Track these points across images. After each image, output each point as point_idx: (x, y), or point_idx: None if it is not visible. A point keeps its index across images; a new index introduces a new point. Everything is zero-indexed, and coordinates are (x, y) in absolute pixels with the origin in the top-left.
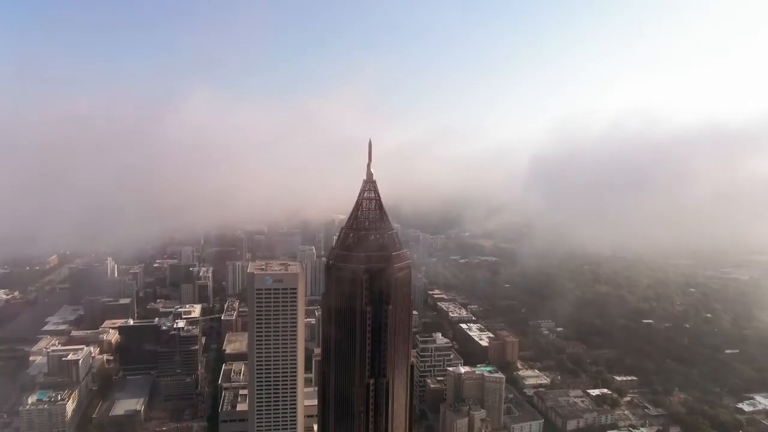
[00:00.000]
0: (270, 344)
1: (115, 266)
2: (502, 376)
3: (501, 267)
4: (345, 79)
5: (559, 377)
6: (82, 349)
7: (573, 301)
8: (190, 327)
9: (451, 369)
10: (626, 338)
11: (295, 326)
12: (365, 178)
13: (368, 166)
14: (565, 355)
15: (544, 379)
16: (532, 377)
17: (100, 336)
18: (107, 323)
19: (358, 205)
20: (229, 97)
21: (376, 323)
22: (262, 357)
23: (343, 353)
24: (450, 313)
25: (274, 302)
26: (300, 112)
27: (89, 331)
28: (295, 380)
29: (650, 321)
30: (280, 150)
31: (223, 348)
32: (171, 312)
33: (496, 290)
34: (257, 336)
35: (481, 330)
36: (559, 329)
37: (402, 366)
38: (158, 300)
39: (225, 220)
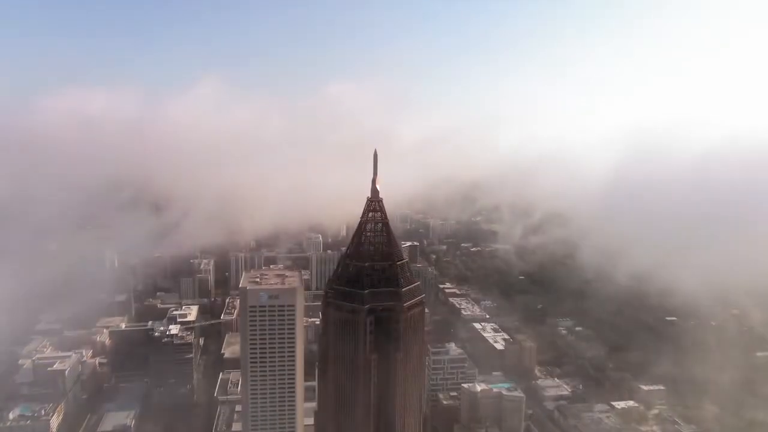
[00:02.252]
0: (266, 366)
1: (115, 257)
2: (522, 395)
3: (515, 256)
4: (363, 69)
5: (580, 386)
6: (69, 356)
7: (590, 296)
8: (184, 333)
9: (466, 386)
10: (649, 338)
11: (293, 347)
12: (369, 195)
13: (373, 181)
14: (585, 360)
15: (565, 390)
16: (552, 387)
17: (93, 337)
18: (102, 321)
19: (361, 228)
20: (237, 89)
21: (383, 374)
22: (257, 380)
23: (343, 408)
24: (462, 311)
25: (269, 320)
26: (314, 105)
27: (82, 331)
28: (293, 404)
29: (674, 318)
30: (292, 146)
31: (222, 352)
32: (169, 308)
33: (510, 283)
34: (251, 358)
35: (495, 331)
36: (578, 329)
37: (413, 421)
38: (158, 293)
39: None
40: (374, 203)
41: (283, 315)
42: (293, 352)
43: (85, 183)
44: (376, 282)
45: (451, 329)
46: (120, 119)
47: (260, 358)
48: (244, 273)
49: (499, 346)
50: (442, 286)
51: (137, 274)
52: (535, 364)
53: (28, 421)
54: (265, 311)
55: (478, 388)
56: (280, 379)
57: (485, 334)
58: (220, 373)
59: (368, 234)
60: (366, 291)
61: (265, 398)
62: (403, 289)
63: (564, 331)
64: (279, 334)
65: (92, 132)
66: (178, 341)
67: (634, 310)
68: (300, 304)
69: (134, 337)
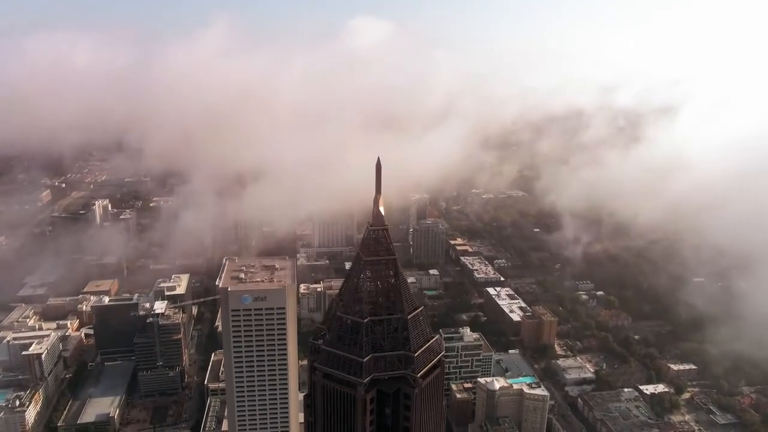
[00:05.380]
0: (253, 379)
1: (109, 205)
2: (545, 393)
3: (529, 205)
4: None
5: (604, 366)
6: (48, 335)
7: (609, 251)
8: (171, 312)
9: (482, 381)
10: (675, 303)
11: (285, 356)
12: (370, 221)
13: (376, 201)
14: (609, 333)
15: (589, 371)
16: (574, 368)
17: (79, 306)
18: (90, 286)
19: (359, 267)
20: (249, 35)
21: None
22: (243, 395)
23: None
24: (475, 273)
25: (256, 326)
26: (334, 51)
27: (68, 299)
28: (286, 414)
29: (701, 279)
30: (309, 102)
31: (216, 324)
32: (161, 271)
33: (524, 237)
34: (237, 368)
35: (511, 297)
36: (599, 293)
37: None
38: (153, 248)
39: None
40: (377, 231)
41: (272, 319)
42: (284, 361)
43: (70, 133)
44: (379, 343)
45: (464, 294)
46: (114, 68)
47: (247, 368)
48: (226, 262)
49: (516, 317)
50: (453, 242)
51: (131, 226)
52: (554, 339)
53: (2, 414)
54: (250, 315)
55: (497, 385)
56: (270, 392)
57: (500, 302)
58: (213, 354)
59: (368, 275)
60: (366, 358)
61: (255, 416)
62: (416, 354)
63: (584, 296)
64: (268, 341)
65: (80, 81)
66: (165, 321)
67: (656, 269)
68: (291, 305)
69: (119, 313)
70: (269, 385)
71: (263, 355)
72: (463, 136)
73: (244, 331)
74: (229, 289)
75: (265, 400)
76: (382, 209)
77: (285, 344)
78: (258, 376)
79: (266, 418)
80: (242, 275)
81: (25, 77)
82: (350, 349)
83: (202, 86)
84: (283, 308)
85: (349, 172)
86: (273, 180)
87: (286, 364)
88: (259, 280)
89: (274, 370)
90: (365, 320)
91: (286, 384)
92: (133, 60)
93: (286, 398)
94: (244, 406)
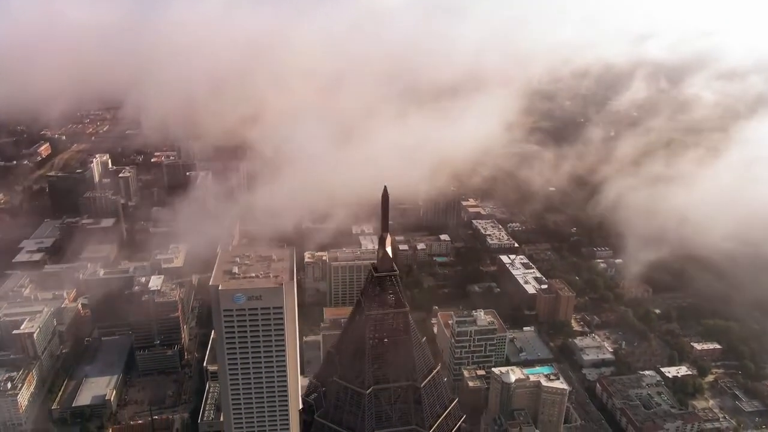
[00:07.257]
0: (250, 384)
1: (109, 161)
2: (564, 386)
3: (543, 162)
4: None
5: (623, 345)
6: (41, 311)
7: (628, 216)
8: (167, 289)
9: (497, 371)
10: (698, 273)
11: (283, 359)
12: (374, 264)
13: (382, 240)
14: (630, 309)
15: (607, 351)
16: (592, 348)
17: (76, 274)
18: (89, 251)
19: (360, 322)
20: None
21: None
22: (240, 398)
23: None
24: (488, 238)
25: (251, 327)
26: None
27: (65, 266)
28: (286, 420)
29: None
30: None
31: None
32: (162, 233)
33: (539, 198)
34: (231, 371)
35: (526, 267)
36: (617, 261)
37: None
38: (154, 208)
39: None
40: (384, 279)
41: (268, 319)
42: (283, 364)
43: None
44: (385, 414)
45: (476, 262)
46: (114, 21)
47: (242, 372)
48: (219, 252)
49: (531, 289)
50: (464, 203)
51: (131, 185)
52: (571, 314)
53: None
54: (244, 315)
55: (512, 377)
56: (269, 398)
57: (514, 272)
58: (213, 332)
59: (373, 331)
60: None
61: (252, 417)
62: (433, 428)
63: (603, 264)
64: (265, 344)
65: (77, 36)
66: (161, 299)
67: (678, 235)
68: (290, 303)
69: (114, 287)
70: (267, 388)
71: (260, 359)
72: (488, 100)
73: (239, 333)
74: (219, 287)
75: (262, 402)
76: (389, 250)
77: (283, 347)
78: (255, 380)
79: (264, 422)
80: (236, 269)
81: (16, 32)
82: (349, 420)
83: (207, 43)
84: (281, 308)
85: (358, 140)
86: (280, 142)
87: (284, 368)
88: (253, 275)
89: (272, 374)
90: (368, 391)
91: (285, 388)
92: (134, 14)
93: (286, 402)
94: (240, 407)
